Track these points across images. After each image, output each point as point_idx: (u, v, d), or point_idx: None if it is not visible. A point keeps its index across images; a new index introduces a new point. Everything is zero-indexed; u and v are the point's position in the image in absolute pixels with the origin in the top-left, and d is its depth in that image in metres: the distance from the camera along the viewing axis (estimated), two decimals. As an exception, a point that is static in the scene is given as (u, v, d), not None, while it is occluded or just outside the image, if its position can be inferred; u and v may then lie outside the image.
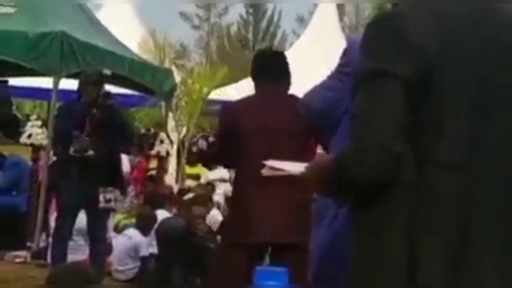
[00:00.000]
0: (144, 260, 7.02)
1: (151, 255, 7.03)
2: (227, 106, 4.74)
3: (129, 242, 7.10)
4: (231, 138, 4.16)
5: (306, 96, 2.80)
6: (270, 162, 2.09)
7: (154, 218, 7.26)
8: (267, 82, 4.19)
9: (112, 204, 6.18)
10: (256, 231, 4.01)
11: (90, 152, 5.91)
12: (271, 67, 4.24)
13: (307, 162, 2.01)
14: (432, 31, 1.79)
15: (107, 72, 6.18)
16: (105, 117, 5.96)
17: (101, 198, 5.98)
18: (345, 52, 2.65)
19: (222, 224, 7.65)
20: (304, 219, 3.87)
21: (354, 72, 1.92)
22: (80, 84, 6.18)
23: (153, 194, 8.74)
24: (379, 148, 1.74)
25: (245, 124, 4.13)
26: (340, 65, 2.67)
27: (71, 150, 5.89)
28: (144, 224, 7.23)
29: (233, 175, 12.19)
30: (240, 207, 4.17)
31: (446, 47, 1.78)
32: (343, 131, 2.53)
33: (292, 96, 4.16)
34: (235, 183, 4.50)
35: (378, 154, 1.74)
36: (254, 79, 4.31)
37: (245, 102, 4.34)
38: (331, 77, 2.69)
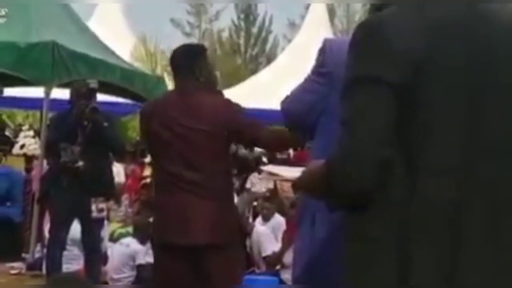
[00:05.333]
0: (140, 268, 6.99)
1: (148, 263, 7.00)
2: None
3: (126, 251, 7.07)
4: None
5: (285, 100, 2.79)
6: (268, 167, 2.09)
7: (151, 226, 7.22)
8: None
9: (104, 213, 6.21)
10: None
11: (80, 163, 5.91)
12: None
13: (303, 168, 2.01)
14: (420, 36, 1.77)
15: (95, 85, 6.16)
16: (95, 129, 5.97)
17: (93, 208, 5.99)
18: (320, 52, 2.64)
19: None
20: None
21: (341, 78, 1.90)
22: (71, 96, 6.20)
23: (149, 202, 8.69)
24: (364, 156, 1.73)
25: None
26: (316, 66, 2.66)
27: (61, 161, 5.91)
28: (141, 233, 7.19)
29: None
30: None
31: (433, 51, 1.77)
32: (321, 132, 2.56)
33: None
34: None
35: (362, 162, 1.73)
36: None
37: None
38: (308, 79, 2.69)
